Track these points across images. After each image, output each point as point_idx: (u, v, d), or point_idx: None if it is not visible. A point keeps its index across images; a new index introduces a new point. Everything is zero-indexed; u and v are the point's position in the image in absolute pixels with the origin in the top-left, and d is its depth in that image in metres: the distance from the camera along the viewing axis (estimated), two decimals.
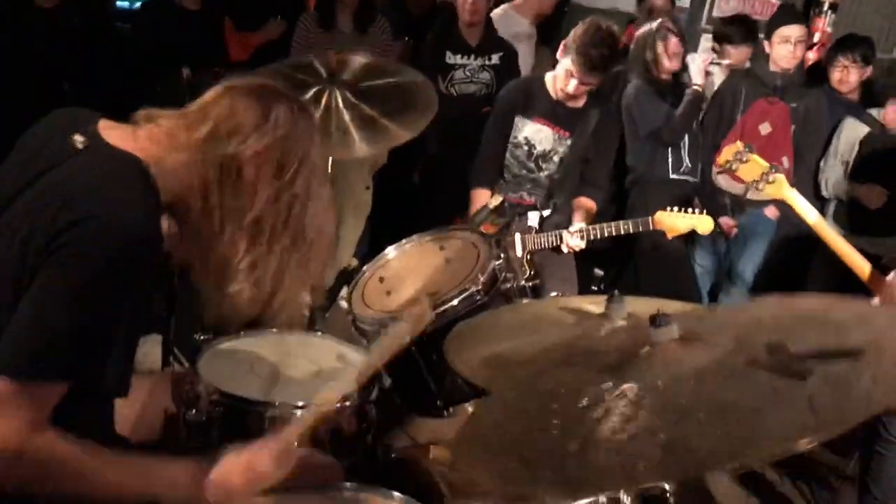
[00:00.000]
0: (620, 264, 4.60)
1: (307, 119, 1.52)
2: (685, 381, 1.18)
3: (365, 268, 2.59)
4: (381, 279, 2.53)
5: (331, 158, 3.08)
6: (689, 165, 4.14)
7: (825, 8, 5.30)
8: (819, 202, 4.24)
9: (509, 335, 1.86)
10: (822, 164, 4.26)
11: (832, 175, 4.19)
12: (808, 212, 2.48)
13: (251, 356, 2.20)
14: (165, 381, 2.03)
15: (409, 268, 2.54)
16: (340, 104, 2.73)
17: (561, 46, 3.33)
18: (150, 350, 3.16)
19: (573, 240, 3.28)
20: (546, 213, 3.46)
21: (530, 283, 2.46)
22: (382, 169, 4.55)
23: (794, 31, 4.08)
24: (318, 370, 2.21)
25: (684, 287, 4.24)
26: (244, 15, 4.64)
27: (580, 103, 3.45)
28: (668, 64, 4.06)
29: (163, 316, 3.14)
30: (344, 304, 2.49)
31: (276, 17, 4.66)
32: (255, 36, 4.64)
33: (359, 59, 2.81)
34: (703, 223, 3.30)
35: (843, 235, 3.88)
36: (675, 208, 3.30)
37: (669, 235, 3.33)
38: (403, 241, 2.61)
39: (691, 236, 3.58)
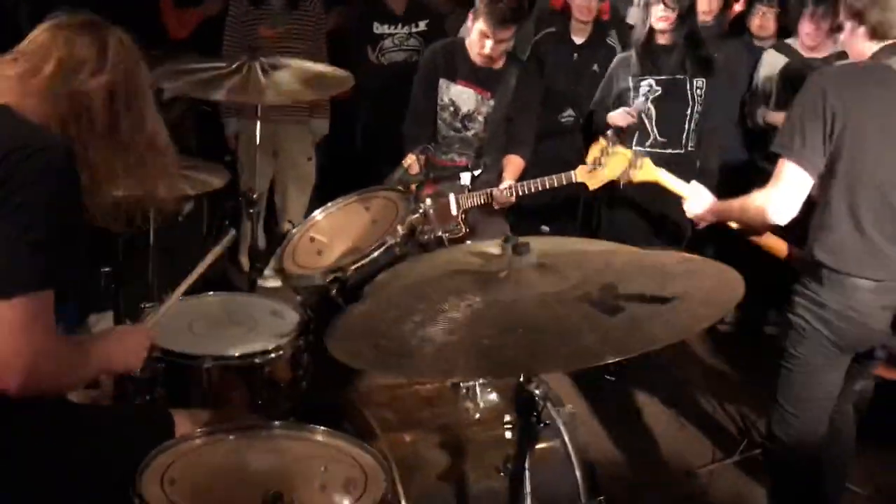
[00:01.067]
0: (565, 219, 4.79)
1: (135, 48, 1.75)
2: (527, 301, 1.41)
3: (295, 230, 2.76)
4: (312, 239, 2.71)
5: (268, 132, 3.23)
6: (660, 139, 3.88)
7: None
8: (750, 136, 4.47)
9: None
10: (746, 97, 4.46)
11: (755, 107, 4.39)
12: (680, 187, 2.67)
13: (190, 317, 2.39)
14: None
15: (337, 227, 2.72)
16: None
17: (470, 13, 3.49)
18: (104, 325, 3.34)
19: (503, 196, 3.45)
20: (477, 172, 3.58)
21: (447, 234, 2.63)
22: (325, 139, 4.70)
23: None
24: (253, 325, 2.40)
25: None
26: None
27: (499, 65, 3.57)
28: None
29: (112, 290, 3.32)
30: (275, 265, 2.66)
31: None
32: (194, 12, 4.66)
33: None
34: (617, 164, 3.14)
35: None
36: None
37: (591, 187, 3.29)
38: (330, 203, 2.79)
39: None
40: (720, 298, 1.36)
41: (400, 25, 4.44)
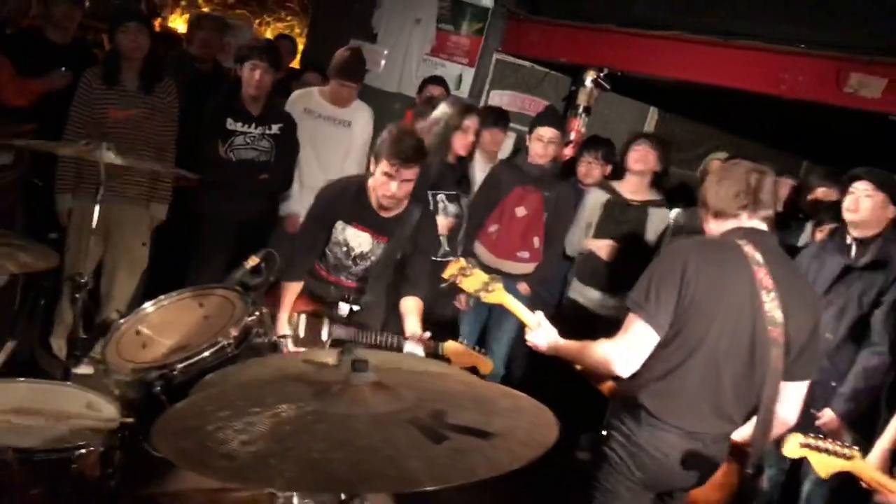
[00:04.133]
0: None
1: None
2: (360, 419, 1.45)
3: (122, 320, 2.67)
4: (138, 332, 2.63)
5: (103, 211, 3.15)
6: (448, 249, 4.30)
7: (580, 110, 6.03)
8: (568, 261, 4.81)
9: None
10: (570, 229, 4.78)
11: (574, 236, 4.73)
12: (526, 316, 2.79)
13: None
14: None
15: (168, 322, 2.66)
16: None
17: (371, 159, 3.45)
18: None
19: (414, 347, 3.28)
20: (356, 308, 3.48)
21: (282, 338, 2.63)
22: (161, 226, 4.59)
23: (546, 132, 4.59)
24: (64, 416, 2.27)
25: None
26: (29, 61, 4.54)
27: (401, 209, 3.49)
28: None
29: None
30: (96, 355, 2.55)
31: (62, 67, 4.58)
32: (36, 83, 4.50)
33: None
34: (484, 364, 3.29)
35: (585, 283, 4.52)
36: (465, 341, 3.32)
37: (454, 363, 3.27)
38: (163, 296, 2.73)
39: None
40: (536, 439, 1.44)
41: (254, 125, 4.49)
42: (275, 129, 4.53)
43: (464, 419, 1.45)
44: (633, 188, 4.62)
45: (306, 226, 3.62)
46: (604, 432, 2.67)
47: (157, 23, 6.72)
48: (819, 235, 4.20)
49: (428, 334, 3.27)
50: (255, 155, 4.51)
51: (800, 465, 3.65)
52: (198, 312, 2.67)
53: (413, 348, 3.24)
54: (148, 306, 2.71)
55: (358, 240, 3.51)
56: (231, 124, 4.44)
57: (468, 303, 4.55)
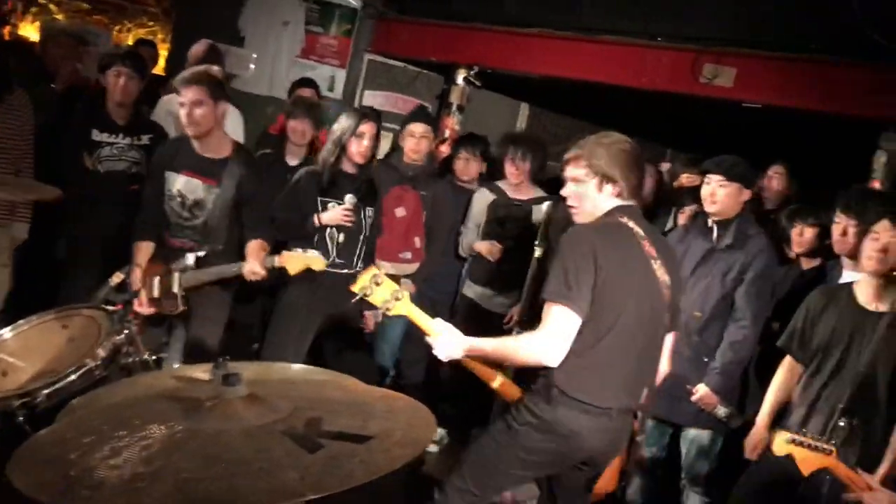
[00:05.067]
0: None
1: None
2: (232, 433, 1.40)
3: None
4: None
5: None
6: (340, 260, 4.11)
7: (453, 108, 6.10)
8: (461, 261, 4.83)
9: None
10: (461, 229, 4.81)
11: (466, 238, 4.77)
12: (429, 324, 2.72)
13: None
14: None
15: (29, 347, 2.52)
16: None
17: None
18: None
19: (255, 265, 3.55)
20: (201, 253, 3.68)
21: (153, 357, 2.52)
22: (23, 246, 4.34)
23: (417, 128, 4.62)
24: None
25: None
26: None
27: (223, 153, 3.73)
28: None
29: None
30: None
31: None
32: None
33: None
34: (316, 262, 3.59)
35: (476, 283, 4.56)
36: (300, 249, 3.61)
37: (291, 273, 3.60)
38: (22, 321, 2.58)
39: None
40: (414, 437, 1.43)
41: (121, 136, 4.31)
42: (145, 139, 4.37)
43: (339, 425, 1.43)
44: (516, 187, 4.70)
45: (146, 185, 3.87)
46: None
47: (6, 31, 6.35)
48: (682, 218, 4.40)
49: (263, 254, 3.57)
50: (125, 166, 4.34)
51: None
52: (62, 335, 2.53)
53: (252, 265, 3.52)
54: (5, 332, 2.56)
55: (189, 186, 3.70)
56: (97, 135, 4.26)
57: (374, 319, 4.24)
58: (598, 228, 2.67)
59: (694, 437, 3.72)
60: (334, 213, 3.95)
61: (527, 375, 2.75)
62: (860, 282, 3.14)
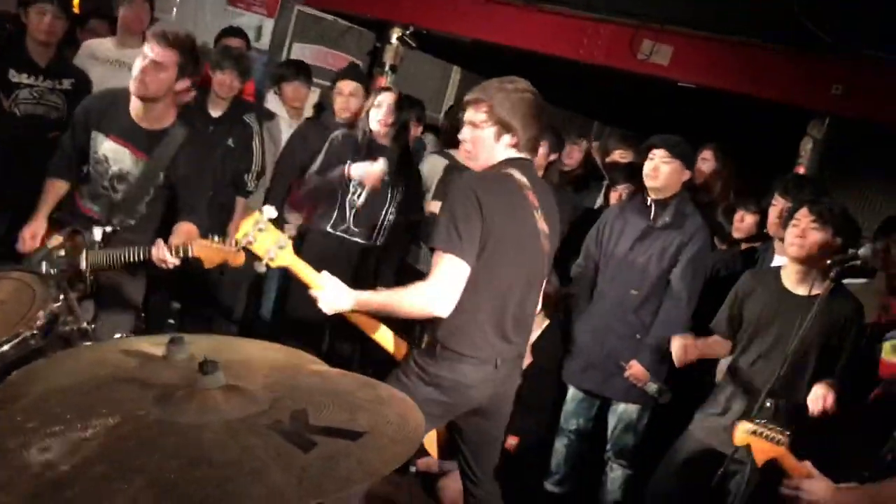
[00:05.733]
0: (193, 297, 4.65)
1: None
2: (213, 428, 1.31)
3: None
4: None
5: None
6: (355, 229, 4.12)
7: (386, 68, 5.97)
8: None
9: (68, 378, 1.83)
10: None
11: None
12: (313, 277, 2.64)
13: None
14: None
15: None
16: None
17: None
18: None
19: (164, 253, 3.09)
20: (109, 228, 3.30)
21: (91, 326, 2.36)
22: None
23: (347, 85, 4.56)
24: None
25: None
26: None
27: (163, 124, 3.34)
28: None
29: None
30: None
31: None
32: None
33: None
34: (235, 257, 3.07)
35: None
36: (216, 237, 3.11)
37: (206, 265, 3.12)
38: None
39: None
40: (407, 435, 1.36)
41: (41, 78, 4.03)
42: (66, 84, 4.10)
43: (328, 419, 1.35)
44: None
45: (64, 138, 3.49)
46: None
47: None
48: (613, 196, 4.44)
49: (176, 240, 3.12)
50: (44, 111, 4.06)
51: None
52: None
53: (159, 252, 3.06)
54: None
55: (116, 155, 3.32)
56: (14, 76, 3.97)
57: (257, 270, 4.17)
58: (484, 178, 2.66)
59: (622, 411, 3.81)
60: (369, 169, 3.90)
61: (410, 331, 2.77)
62: (786, 266, 3.26)
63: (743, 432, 2.42)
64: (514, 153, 2.68)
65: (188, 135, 3.37)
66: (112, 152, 3.32)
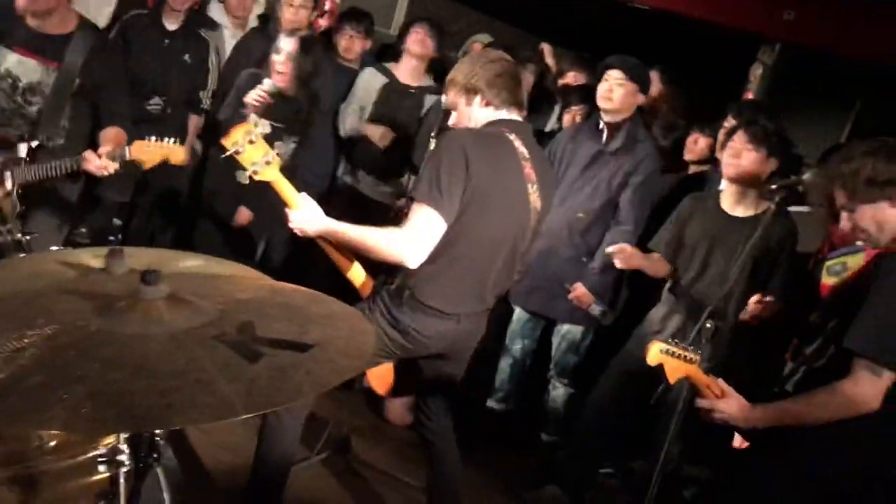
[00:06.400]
0: (132, 214, 4.54)
1: None
2: (156, 339, 1.28)
3: None
4: None
5: None
6: None
7: None
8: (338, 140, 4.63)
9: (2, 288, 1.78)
10: (341, 108, 4.59)
11: (348, 119, 4.53)
12: (293, 195, 2.62)
13: None
14: None
15: None
16: None
17: None
18: None
19: (98, 160, 3.02)
20: (34, 143, 3.16)
21: (26, 237, 2.27)
22: None
23: None
24: None
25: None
26: None
27: (67, 28, 3.17)
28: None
29: None
30: None
31: None
32: None
33: None
34: (175, 154, 3.10)
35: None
36: (153, 138, 3.08)
37: (146, 166, 3.09)
38: None
39: None
40: (357, 348, 1.36)
41: None
42: None
43: (277, 331, 1.34)
44: (409, 73, 4.53)
45: None
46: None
47: None
48: (567, 118, 4.41)
49: (107, 146, 3.04)
50: None
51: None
52: None
53: (94, 160, 2.99)
54: None
55: (23, 68, 3.17)
56: None
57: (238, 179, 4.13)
58: (476, 135, 2.64)
59: (566, 331, 3.87)
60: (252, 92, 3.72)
61: (382, 271, 2.74)
62: (725, 189, 3.31)
63: (656, 352, 2.45)
64: (498, 113, 2.67)
65: (98, 39, 3.26)
66: (16, 65, 3.17)
